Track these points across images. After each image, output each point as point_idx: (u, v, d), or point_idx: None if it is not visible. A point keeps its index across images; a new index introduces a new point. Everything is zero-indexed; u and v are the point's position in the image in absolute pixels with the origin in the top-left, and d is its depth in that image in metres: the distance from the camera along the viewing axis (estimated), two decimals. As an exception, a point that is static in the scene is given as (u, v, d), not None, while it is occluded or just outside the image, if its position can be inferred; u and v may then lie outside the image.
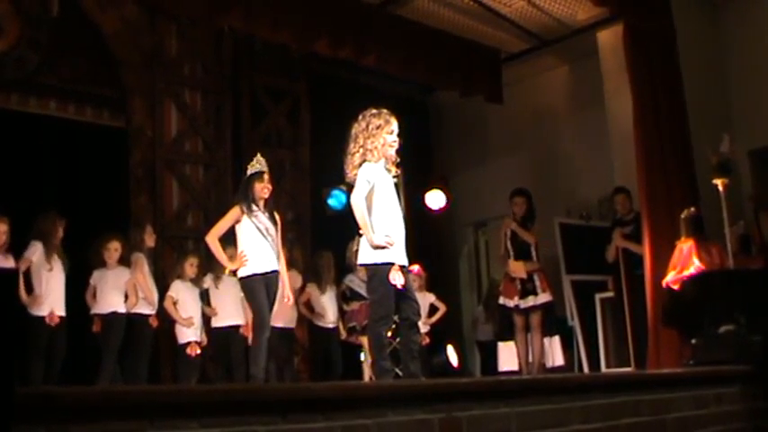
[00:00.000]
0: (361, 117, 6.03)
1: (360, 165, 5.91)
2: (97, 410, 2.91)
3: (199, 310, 8.90)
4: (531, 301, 9.33)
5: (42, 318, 7.96)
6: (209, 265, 8.94)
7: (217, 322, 8.98)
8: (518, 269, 9.40)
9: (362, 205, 5.82)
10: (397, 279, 5.71)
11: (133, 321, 8.54)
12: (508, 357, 9.84)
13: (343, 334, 9.73)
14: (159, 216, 10.27)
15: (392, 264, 5.74)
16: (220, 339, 8.96)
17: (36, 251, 8.02)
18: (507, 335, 9.86)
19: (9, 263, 7.68)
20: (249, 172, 7.43)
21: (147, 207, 10.33)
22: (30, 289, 7.96)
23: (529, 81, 12.21)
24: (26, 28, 9.62)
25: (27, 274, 7.95)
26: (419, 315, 6.13)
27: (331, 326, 9.61)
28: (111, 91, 10.40)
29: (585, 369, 9.90)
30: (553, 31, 11.39)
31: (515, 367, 9.70)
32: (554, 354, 9.63)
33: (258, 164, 7.44)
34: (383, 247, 5.73)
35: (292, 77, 11.89)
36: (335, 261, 9.77)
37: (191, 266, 8.92)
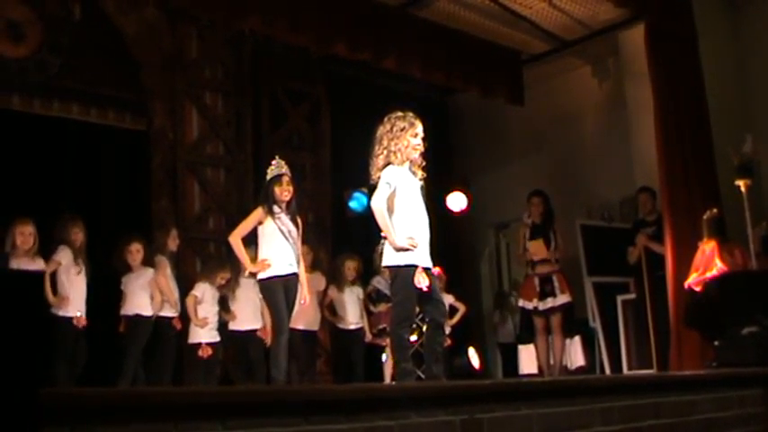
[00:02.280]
0: (386, 119, 6.04)
1: (384, 167, 5.92)
2: (122, 411, 2.92)
3: (216, 313, 8.92)
4: (549, 302, 9.33)
5: (69, 319, 8.00)
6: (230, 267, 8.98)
7: (234, 325, 8.97)
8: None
9: (383, 208, 5.82)
10: (421, 281, 5.72)
11: (156, 324, 8.57)
12: (529, 360, 9.82)
13: (369, 336, 9.70)
14: (180, 219, 10.29)
15: (416, 266, 5.75)
16: (239, 342, 8.97)
17: (65, 255, 8.06)
18: (527, 337, 9.86)
19: (38, 265, 7.73)
20: (268, 176, 7.43)
21: (168, 210, 10.37)
22: (55, 291, 7.98)
23: (550, 82, 12.17)
24: (48, 32, 9.67)
25: (54, 277, 7.99)
26: (445, 316, 6.13)
27: (353, 327, 9.60)
28: (133, 94, 10.44)
29: (607, 371, 9.87)
30: (574, 31, 11.34)
31: (536, 370, 9.69)
32: (574, 355, 9.61)
33: (277, 167, 7.44)
34: (406, 250, 5.74)
35: (312, 80, 11.91)
36: (361, 263, 9.73)
37: (221, 279, 8.94)
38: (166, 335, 8.64)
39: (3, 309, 2.44)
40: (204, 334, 8.79)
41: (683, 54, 9.25)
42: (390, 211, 5.86)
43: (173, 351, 8.74)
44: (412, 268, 5.74)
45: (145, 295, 8.49)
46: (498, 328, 12.38)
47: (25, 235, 7.74)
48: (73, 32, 9.85)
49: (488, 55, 11.12)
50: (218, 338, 8.87)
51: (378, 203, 5.84)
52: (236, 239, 7.43)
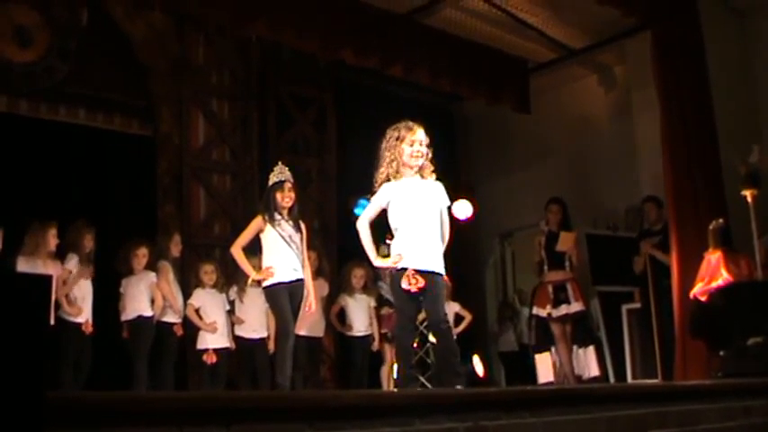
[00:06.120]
0: (387, 131, 6.09)
1: (385, 180, 5.97)
2: (127, 416, 2.92)
3: (223, 317, 8.89)
4: (563, 309, 9.30)
5: (78, 325, 8.05)
6: (234, 276, 8.96)
7: (241, 331, 8.95)
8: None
9: (363, 227, 6.01)
10: (410, 283, 5.72)
11: (158, 329, 8.58)
12: (545, 369, 9.79)
13: (376, 344, 9.67)
14: (186, 224, 10.30)
15: (404, 269, 5.75)
16: (244, 348, 8.95)
17: (74, 263, 8.11)
18: (543, 346, 9.82)
19: (56, 269, 7.80)
20: (270, 182, 7.43)
21: (174, 215, 10.39)
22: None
23: (556, 91, 12.19)
24: (55, 37, 9.70)
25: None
26: (440, 321, 6.02)
27: (360, 335, 9.57)
28: (140, 99, 10.48)
29: (612, 380, 9.85)
30: (581, 40, 11.37)
31: (552, 378, 9.66)
32: (588, 364, 9.57)
33: (279, 173, 7.43)
34: (386, 268, 5.82)
35: (319, 86, 11.92)
36: (369, 270, 9.70)
37: (206, 274, 8.89)
38: (168, 340, 8.64)
39: (10, 311, 2.45)
40: (212, 340, 8.78)
41: (690, 63, 9.24)
42: (389, 226, 5.96)
43: (174, 356, 8.74)
44: (401, 272, 5.76)
45: (145, 298, 8.49)
46: (498, 337, 12.38)
47: (55, 237, 7.94)
48: (80, 38, 9.88)
49: (495, 63, 11.13)
50: (227, 344, 8.86)
51: (360, 223, 6.03)
52: (236, 250, 7.46)
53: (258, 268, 7.34)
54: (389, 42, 9.86)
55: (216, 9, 8.99)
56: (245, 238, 7.44)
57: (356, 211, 10.99)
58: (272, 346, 8.63)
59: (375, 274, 9.73)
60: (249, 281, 7.93)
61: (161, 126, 10.59)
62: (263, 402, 3.48)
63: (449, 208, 6.13)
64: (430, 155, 6.02)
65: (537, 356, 10.02)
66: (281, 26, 9.02)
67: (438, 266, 5.86)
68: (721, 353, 7.61)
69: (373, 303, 9.68)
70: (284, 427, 3.36)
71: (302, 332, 8.75)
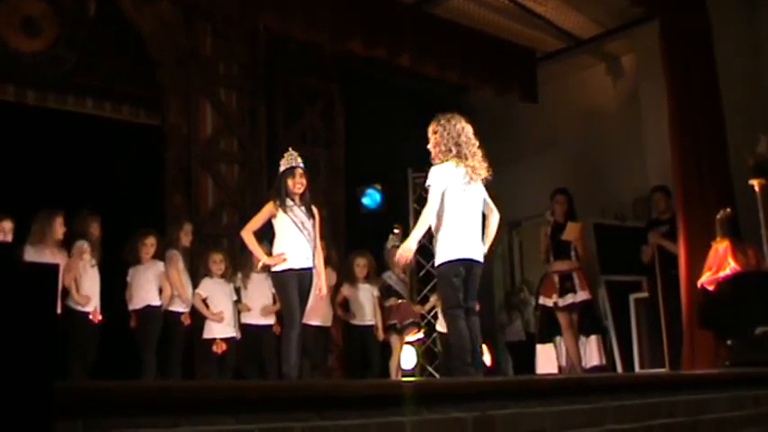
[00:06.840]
0: None
1: None
2: (135, 405, 2.93)
3: (230, 306, 8.91)
4: (570, 298, 9.29)
5: (86, 314, 8.07)
6: (240, 263, 8.97)
7: (248, 319, 8.98)
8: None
9: None
10: None
11: (166, 319, 8.59)
12: (547, 360, 9.77)
13: (381, 334, 9.69)
14: (194, 214, 10.30)
15: None
16: (251, 335, 8.97)
17: (84, 250, 8.12)
18: (547, 336, 9.81)
19: (63, 258, 7.83)
20: (281, 168, 7.43)
21: (182, 205, 10.40)
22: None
23: (564, 80, 12.14)
24: (64, 27, 9.72)
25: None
26: (447, 306, 6.20)
27: (367, 323, 9.59)
28: (148, 90, 10.49)
29: (619, 369, 9.84)
30: (588, 29, 11.33)
31: (554, 370, 9.65)
32: (590, 354, 9.56)
33: (290, 159, 7.43)
34: None
35: (327, 77, 11.92)
36: (372, 260, 9.73)
37: (215, 263, 8.90)
38: (176, 329, 8.65)
39: (17, 300, 2.45)
40: (219, 329, 8.79)
41: (698, 52, 9.21)
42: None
43: (182, 346, 8.75)
44: None
45: (153, 288, 8.52)
46: (506, 326, 12.36)
47: (62, 226, 7.98)
48: (89, 28, 9.89)
49: (503, 53, 11.10)
50: (233, 334, 8.88)
51: None
52: (247, 234, 7.44)
53: (269, 254, 7.34)
54: (397, 33, 9.84)
55: (224, 0, 8.99)
56: (256, 222, 7.44)
57: (364, 200, 11.02)
58: (278, 329, 8.65)
59: (380, 264, 9.75)
60: (260, 265, 7.92)
61: (169, 116, 10.60)
62: (271, 392, 3.48)
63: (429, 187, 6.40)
64: (434, 140, 6.22)
65: (539, 346, 10.02)
66: (289, 17, 9.01)
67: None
68: (729, 342, 7.61)
69: (376, 293, 9.69)
70: (293, 416, 3.36)
71: (313, 321, 8.78)
